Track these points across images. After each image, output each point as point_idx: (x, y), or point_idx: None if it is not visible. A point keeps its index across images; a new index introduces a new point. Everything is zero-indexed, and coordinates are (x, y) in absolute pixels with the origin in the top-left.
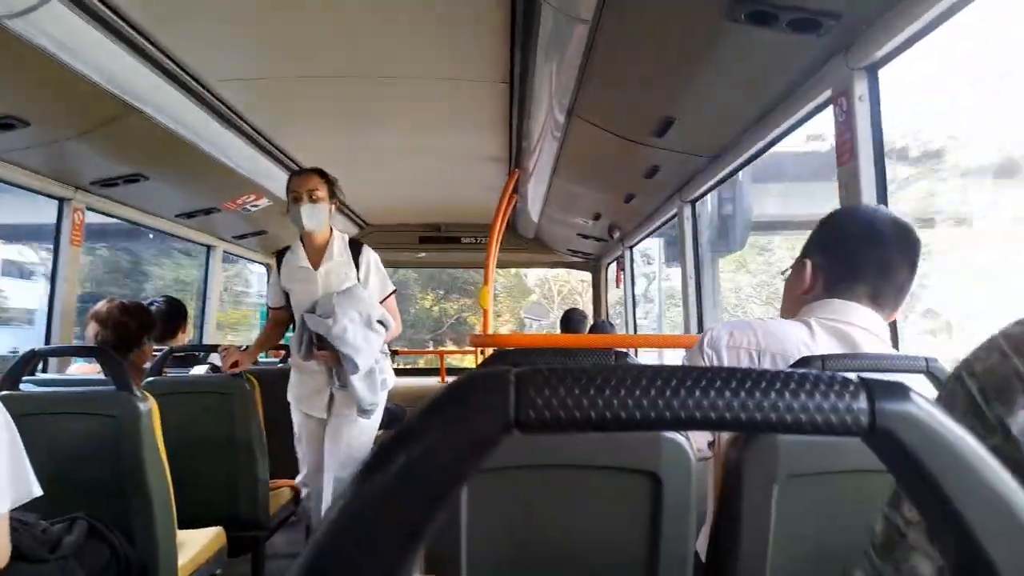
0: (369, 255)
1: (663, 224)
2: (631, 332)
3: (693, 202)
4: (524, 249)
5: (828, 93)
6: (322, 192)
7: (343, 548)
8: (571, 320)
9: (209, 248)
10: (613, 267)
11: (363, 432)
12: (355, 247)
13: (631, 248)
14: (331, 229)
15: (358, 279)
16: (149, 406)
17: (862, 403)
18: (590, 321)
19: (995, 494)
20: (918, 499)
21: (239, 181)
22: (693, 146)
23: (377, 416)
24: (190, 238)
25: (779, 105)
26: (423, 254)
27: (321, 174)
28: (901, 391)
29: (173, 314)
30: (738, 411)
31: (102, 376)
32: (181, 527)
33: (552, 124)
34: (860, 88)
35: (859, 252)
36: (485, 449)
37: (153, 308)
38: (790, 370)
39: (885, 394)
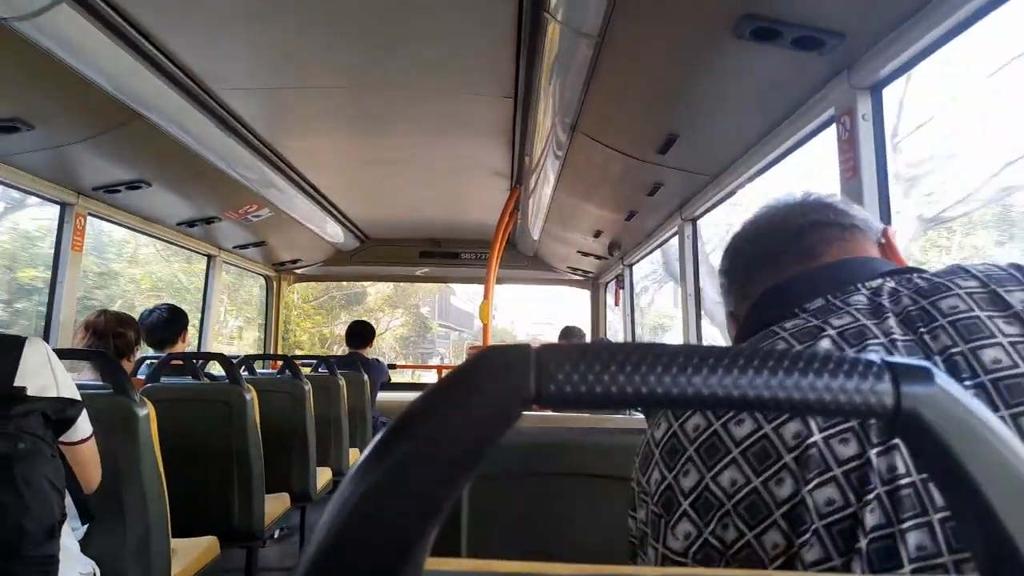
0: None
1: (663, 242)
2: None
3: (694, 220)
4: (523, 266)
5: (831, 112)
6: None
7: (363, 519)
8: (569, 337)
9: (210, 257)
10: (612, 285)
11: None
12: None
13: (631, 266)
14: None
15: None
16: (147, 411)
17: (887, 385)
18: (588, 338)
19: (1019, 477)
20: (942, 482)
21: (242, 190)
22: (696, 164)
23: None
24: (191, 247)
25: (782, 123)
26: (422, 270)
27: None
28: (926, 373)
29: (174, 321)
30: (761, 390)
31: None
32: (175, 535)
33: (555, 140)
34: (863, 107)
35: None
36: (506, 421)
37: (155, 315)
38: (813, 351)
39: (910, 376)
